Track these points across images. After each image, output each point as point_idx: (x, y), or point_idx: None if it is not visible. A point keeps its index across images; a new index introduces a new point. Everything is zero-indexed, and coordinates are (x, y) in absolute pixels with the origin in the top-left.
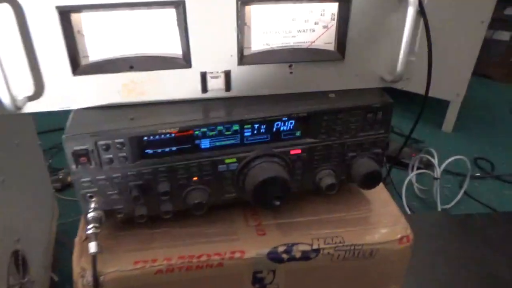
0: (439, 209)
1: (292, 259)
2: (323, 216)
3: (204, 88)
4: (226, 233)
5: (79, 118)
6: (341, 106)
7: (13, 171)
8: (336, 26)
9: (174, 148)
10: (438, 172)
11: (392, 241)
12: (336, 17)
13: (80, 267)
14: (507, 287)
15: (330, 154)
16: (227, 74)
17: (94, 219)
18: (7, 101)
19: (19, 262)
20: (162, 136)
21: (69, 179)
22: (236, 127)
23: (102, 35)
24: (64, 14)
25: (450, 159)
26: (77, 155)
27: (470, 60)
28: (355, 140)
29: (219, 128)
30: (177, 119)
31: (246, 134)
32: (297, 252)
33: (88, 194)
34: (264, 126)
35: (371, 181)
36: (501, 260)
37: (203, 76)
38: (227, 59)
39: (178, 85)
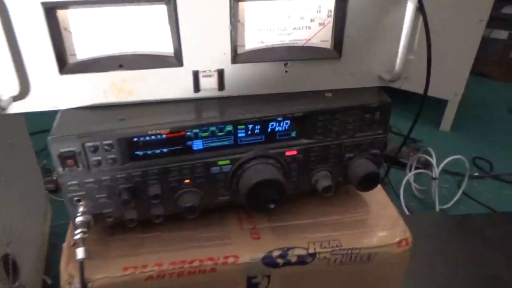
0: (438, 209)
1: (288, 263)
2: (319, 219)
3: (197, 88)
4: (219, 237)
5: (67, 118)
6: (338, 106)
7: (4, 172)
8: (333, 23)
9: (165, 150)
10: (436, 172)
11: (391, 244)
12: (332, 14)
13: (67, 274)
14: (506, 287)
15: (327, 155)
16: (220, 73)
17: (82, 224)
18: None
19: (9, 266)
20: (153, 137)
21: None
22: (229, 127)
23: (90, 33)
24: (50, 10)
25: (448, 159)
26: (63, 157)
27: (469, 59)
28: (353, 141)
29: (212, 128)
30: (168, 120)
31: (240, 135)
32: (292, 256)
33: (76, 198)
34: (259, 126)
35: (368, 182)
36: (500, 261)
37: (195, 75)
38: (220, 57)
39: (169, 85)
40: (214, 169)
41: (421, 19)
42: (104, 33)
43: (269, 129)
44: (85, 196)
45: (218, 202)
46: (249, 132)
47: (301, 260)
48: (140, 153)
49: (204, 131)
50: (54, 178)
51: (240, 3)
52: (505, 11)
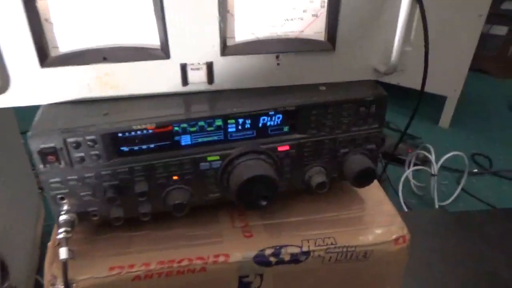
0: (437, 206)
1: (281, 262)
2: (313, 216)
3: (185, 81)
4: (210, 235)
5: (48, 114)
6: (332, 99)
7: None
8: (326, 14)
9: (152, 145)
10: (435, 168)
11: (388, 242)
12: (326, 4)
13: (50, 274)
14: (505, 285)
15: (321, 150)
16: (209, 65)
17: (66, 223)
18: None
19: None
20: (139, 132)
21: None
22: (219, 122)
23: (72, 24)
24: (29, 0)
25: (447, 155)
26: (43, 153)
27: (468, 54)
28: (347, 136)
29: (201, 123)
30: (154, 114)
31: (230, 129)
32: (285, 254)
33: (59, 196)
34: (250, 121)
35: (364, 178)
36: (500, 257)
37: (183, 68)
38: (208, 49)
39: (156, 78)
40: (204, 165)
41: (418, 9)
42: (88, 24)
43: (260, 124)
44: (68, 194)
45: (208, 199)
46: (240, 127)
47: (295, 259)
48: (126, 149)
49: (193, 126)
50: None
51: None
52: (505, 6)
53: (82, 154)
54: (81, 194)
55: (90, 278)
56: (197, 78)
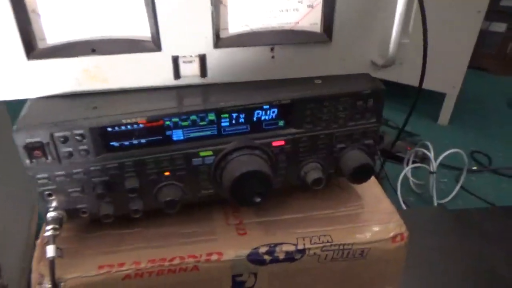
0: (436, 204)
1: (275, 260)
2: (309, 213)
3: (177, 74)
4: (203, 233)
5: (35, 108)
6: (328, 93)
7: None
8: (322, 4)
9: (143, 140)
10: (434, 166)
11: (385, 239)
12: None
13: (38, 273)
14: (504, 282)
15: (317, 145)
16: (202, 58)
17: (54, 220)
18: None
19: None
20: (129, 126)
21: None
22: (212, 116)
23: (60, 15)
24: None
25: (446, 153)
26: (29, 148)
27: (467, 51)
28: (344, 130)
29: (193, 117)
30: (145, 108)
31: (223, 124)
32: (280, 253)
33: (46, 192)
34: (243, 115)
35: (362, 175)
36: (499, 255)
37: (175, 60)
38: (201, 41)
39: (147, 71)
40: (196, 161)
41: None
42: (76, 15)
43: (254, 118)
44: (56, 190)
45: (201, 196)
46: (233, 121)
47: (290, 257)
48: (116, 144)
49: (185, 120)
50: None
51: None
52: (504, 3)
53: (70, 149)
54: (70, 190)
55: (78, 277)
56: (190, 71)
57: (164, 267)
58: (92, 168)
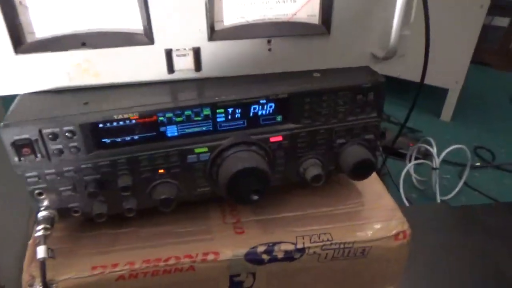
0: (438, 200)
1: (274, 260)
2: (308, 211)
3: (170, 68)
4: (199, 232)
5: (24, 104)
6: (327, 87)
7: None
8: None
9: (135, 137)
10: (437, 162)
11: (387, 237)
12: None
13: (29, 274)
14: (508, 278)
15: (316, 141)
16: (196, 51)
17: (45, 220)
18: None
19: None
20: (121, 122)
21: None
22: (207, 111)
23: (49, 7)
24: None
25: (449, 149)
26: (18, 145)
27: (469, 46)
28: (344, 125)
29: (188, 112)
30: (138, 103)
31: (219, 119)
32: (279, 252)
33: (37, 191)
34: (240, 110)
35: (362, 170)
36: (502, 251)
37: (169, 54)
38: (195, 34)
39: (139, 65)
40: (191, 158)
41: None
42: (66, 8)
43: (251, 113)
44: (47, 189)
45: (197, 194)
46: (229, 117)
47: (289, 256)
48: (108, 140)
49: (179, 116)
50: None
51: None
52: None
53: (60, 146)
54: (61, 189)
55: (70, 279)
56: (184, 65)
57: (159, 267)
58: (83, 166)
